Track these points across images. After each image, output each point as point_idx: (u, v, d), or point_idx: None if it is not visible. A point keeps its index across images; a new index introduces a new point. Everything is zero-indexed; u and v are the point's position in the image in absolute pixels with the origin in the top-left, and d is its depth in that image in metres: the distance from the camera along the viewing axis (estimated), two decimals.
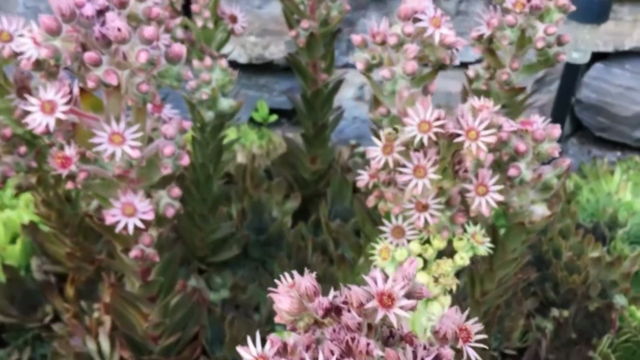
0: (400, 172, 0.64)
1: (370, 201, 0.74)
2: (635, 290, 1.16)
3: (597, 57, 1.47)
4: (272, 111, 1.50)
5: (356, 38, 0.73)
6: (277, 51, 1.31)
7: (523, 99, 0.90)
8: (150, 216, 0.66)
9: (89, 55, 0.57)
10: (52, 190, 0.86)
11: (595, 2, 1.19)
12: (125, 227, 0.65)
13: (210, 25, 0.85)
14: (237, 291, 1.04)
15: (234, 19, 0.89)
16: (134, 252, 0.72)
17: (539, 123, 0.69)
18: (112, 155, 0.61)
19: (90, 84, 0.58)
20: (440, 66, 0.71)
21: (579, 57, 1.26)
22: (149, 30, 0.57)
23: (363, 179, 0.72)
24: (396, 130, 0.63)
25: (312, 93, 0.98)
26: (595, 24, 1.19)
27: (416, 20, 0.68)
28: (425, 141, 0.62)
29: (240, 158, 1.30)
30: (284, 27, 1.41)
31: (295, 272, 0.36)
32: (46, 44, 0.56)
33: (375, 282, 0.34)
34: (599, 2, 1.20)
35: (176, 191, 0.71)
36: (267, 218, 1.18)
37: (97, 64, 0.57)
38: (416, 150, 0.64)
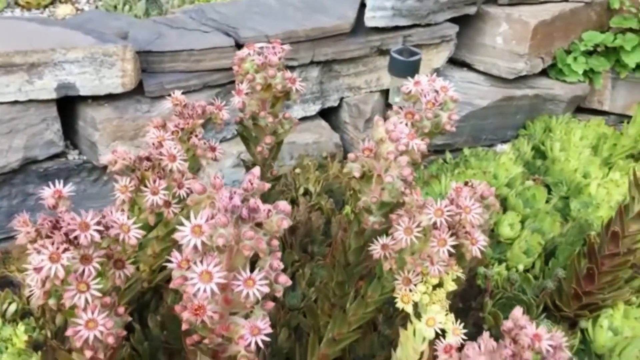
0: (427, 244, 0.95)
1: (386, 266, 1.02)
2: (487, 258, 1.63)
3: None
4: None
5: (352, 156, 1.00)
6: None
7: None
8: (268, 330, 0.87)
9: (249, 235, 0.76)
10: None
11: (409, 62, 1.60)
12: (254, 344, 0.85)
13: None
14: None
15: (213, 149, 1.08)
16: None
17: (479, 185, 1.04)
18: (251, 296, 0.81)
19: (246, 253, 0.78)
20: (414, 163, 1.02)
21: (399, 101, 1.67)
22: (282, 205, 0.79)
23: (377, 250, 1.01)
24: None
25: None
26: (410, 77, 1.60)
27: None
28: (444, 223, 0.94)
29: None
30: None
31: None
32: (218, 234, 0.75)
33: None
34: (412, 62, 1.60)
35: (270, 304, 0.91)
36: None
37: (253, 238, 0.77)
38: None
